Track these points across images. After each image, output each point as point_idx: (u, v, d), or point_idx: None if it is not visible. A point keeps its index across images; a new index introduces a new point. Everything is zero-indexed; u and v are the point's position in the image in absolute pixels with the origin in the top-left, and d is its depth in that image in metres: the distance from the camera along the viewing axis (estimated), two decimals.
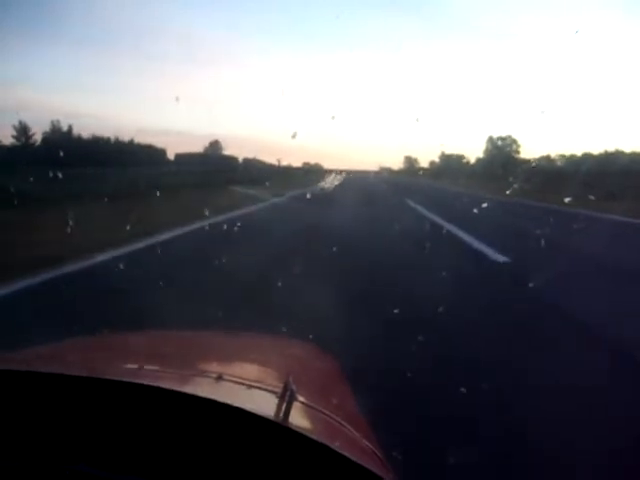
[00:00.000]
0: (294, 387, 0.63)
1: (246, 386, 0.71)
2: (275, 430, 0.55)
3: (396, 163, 64.95)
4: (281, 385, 0.66)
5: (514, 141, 50.86)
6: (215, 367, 0.90)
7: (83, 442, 0.58)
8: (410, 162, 61.55)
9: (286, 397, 0.62)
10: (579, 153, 42.00)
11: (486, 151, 51.87)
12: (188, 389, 0.62)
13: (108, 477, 0.55)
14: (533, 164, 35.80)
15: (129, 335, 1.30)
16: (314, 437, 0.55)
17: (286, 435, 0.55)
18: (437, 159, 57.10)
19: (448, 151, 57.19)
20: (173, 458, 0.57)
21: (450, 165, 51.01)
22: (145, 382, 0.60)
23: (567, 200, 12.80)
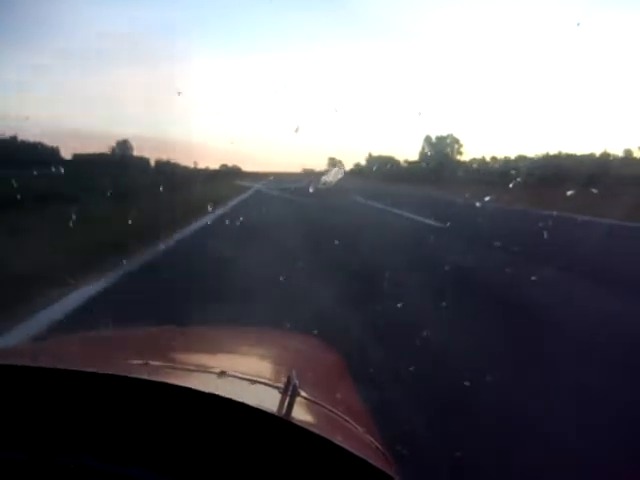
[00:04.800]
0: (297, 382, 0.63)
1: (249, 381, 0.71)
2: (278, 425, 0.55)
3: (319, 165, 64.51)
4: (284, 380, 0.66)
5: (456, 140, 46.45)
6: (218, 362, 0.90)
7: (88, 436, 0.58)
8: (334, 164, 61.58)
9: (289, 392, 0.61)
10: (513, 156, 39.44)
11: (422, 152, 48.19)
12: (191, 384, 0.61)
13: (113, 470, 0.56)
14: (474, 165, 35.34)
15: (133, 330, 1.32)
16: (317, 432, 0.55)
17: (289, 430, 0.55)
18: (364, 161, 57.43)
19: (376, 153, 55.72)
20: (177, 452, 0.57)
21: (379, 167, 47.44)
22: (149, 377, 0.60)
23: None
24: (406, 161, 48.94)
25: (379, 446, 0.72)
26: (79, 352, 0.92)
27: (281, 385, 0.65)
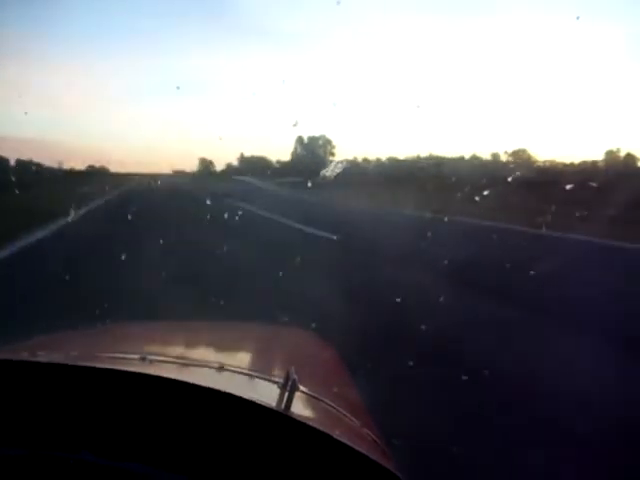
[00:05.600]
0: (295, 377, 0.63)
1: (248, 376, 0.71)
2: (277, 419, 0.56)
3: (190, 166, 62.33)
4: (283, 375, 0.66)
5: (328, 141, 47.25)
6: (217, 357, 0.90)
7: (86, 431, 0.58)
8: (205, 165, 59.49)
9: (288, 387, 0.62)
10: (384, 158, 40.72)
11: (294, 152, 48.96)
12: (190, 379, 0.61)
13: (111, 465, 0.55)
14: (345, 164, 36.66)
15: (131, 325, 1.33)
16: (316, 426, 0.55)
17: (288, 424, 0.55)
18: (236, 162, 56.46)
19: (248, 153, 54.31)
20: (175, 446, 0.57)
21: (251, 168, 47.44)
22: (148, 372, 0.60)
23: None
24: (278, 161, 50.02)
25: (377, 440, 0.72)
26: (77, 347, 0.91)
27: (280, 380, 0.65)
